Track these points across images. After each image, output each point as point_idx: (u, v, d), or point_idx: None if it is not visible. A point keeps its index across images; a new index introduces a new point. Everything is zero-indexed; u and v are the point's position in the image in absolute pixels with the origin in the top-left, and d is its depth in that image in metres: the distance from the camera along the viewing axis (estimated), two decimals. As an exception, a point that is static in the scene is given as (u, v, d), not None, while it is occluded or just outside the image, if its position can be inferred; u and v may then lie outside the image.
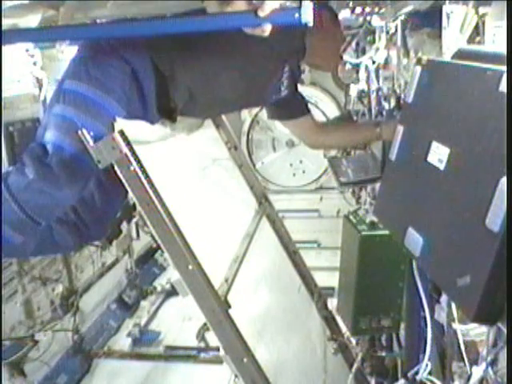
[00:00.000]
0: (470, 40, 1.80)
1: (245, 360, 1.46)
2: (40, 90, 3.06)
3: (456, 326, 1.23)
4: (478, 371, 1.10)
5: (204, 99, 1.73)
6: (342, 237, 1.96)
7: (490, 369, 1.07)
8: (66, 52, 3.14)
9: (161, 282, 4.17)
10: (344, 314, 1.99)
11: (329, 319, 2.37)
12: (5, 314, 2.63)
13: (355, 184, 2.89)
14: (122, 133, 1.33)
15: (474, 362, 1.17)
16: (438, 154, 1.07)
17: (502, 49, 1.05)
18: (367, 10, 3.00)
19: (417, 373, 1.42)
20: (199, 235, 1.67)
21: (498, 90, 0.91)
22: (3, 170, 2.52)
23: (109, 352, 3.43)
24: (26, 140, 1.73)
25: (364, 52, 3.42)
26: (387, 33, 3.03)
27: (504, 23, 1.52)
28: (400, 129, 1.29)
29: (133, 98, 1.57)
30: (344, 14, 2.69)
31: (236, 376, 1.47)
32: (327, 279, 2.67)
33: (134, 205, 1.40)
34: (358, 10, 2.97)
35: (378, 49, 3.23)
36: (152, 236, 1.48)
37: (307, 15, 1.10)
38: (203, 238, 1.69)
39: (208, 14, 1.36)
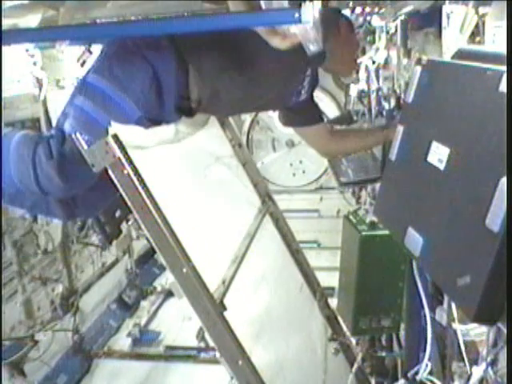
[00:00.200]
0: (470, 40, 1.80)
1: (240, 362, 1.47)
2: (40, 90, 3.06)
3: (456, 325, 1.23)
4: (478, 371, 1.10)
5: (228, 97, 1.74)
6: (342, 237, 1.96)
7: (489, 369, 1.07)
8: (66, 52, 3.15)
9: (161, 282, 4.17)
10: (344, 314, 1.99)
11: (331, 318, 2.37)
12: (5, 314, 2.63)
13: (355, 184, 2.90)
14: (115, 137, 1.33)
15: (474, 362, 1.17)
16: (438, 154, 1.07)
17: (502, 49, 1.05)
18: (367, 10, 3.01)
19: (417, 373, 1.42)
20: (201, 234, 1.67)
21: (498, 90, 0.91)
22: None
23: (109, 352, 3.44)
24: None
25: (364, 52, 3.43)
26: (387, 33, 3.04)
27: (504, 23, 1.53)
28: (400, 129, 1.29)
29: (151, 99, 1.58)
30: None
31: (232, 378, 1.48)
32: (327, 279, 2.67)
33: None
34: (358, 10, 2.98)
35: (378, 49, 3.24)
36: (147, 238, 1.49)
37: (307, 15, 1.10)
38: (205, 237, 1.69)
39: (208, 15, 1.36)
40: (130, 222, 3.49)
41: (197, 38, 1.49)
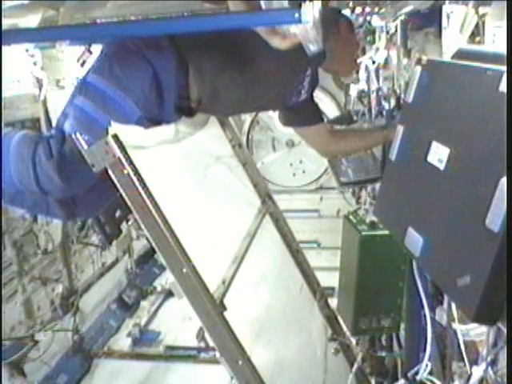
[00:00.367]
0: (470, 40, 1.80)
1: (240, 362, 1.47)
2: (40, 90, 3.06)
3: (456, 325, 1.23)
4: (478, 371, 1.10)
5: (227, 96, 1.74)
6: (342, 237, 1.96)
7: (489, 369, 1.07)
8: (66, 52, 3.15)
9: (161, 282, 4.17)
10: (344, 314, 1.99)
11: (331, 318, 2.37)
12: (5, 314, 2.63)
13: (355, 184, 2.90)
14: (115, 137, 1.34)
15: (474, 362, 1.17)
16: (438, 154, 1.07)
17: (502, 49, 1.05)
18: (367, 9, 3.01)
19: (417, 373, 1.42)
20: (201, 234, 1.67)
21: (498, 90, 0.91)
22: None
23: (109, 352, 3.43)
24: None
25: (364, 52, 3.43)
26: (387, 33, 3.04)
27: (504, 23, 1.53)
28: (400, 129, 1.29)
29: (151, 99, 1.59)
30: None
31: (232, 378, 1.48)
32: (327, 279, 2.67)
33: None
34: (358, 9, 2.98)
35: (378, 49, 3.24)
36: (147, 238, 1.49)
37: (307, 15, 1.10)
38: (205, 237, 1.69)
39: (208, 15, 1.36)
40: (130, 222, 3.50)
41: (197, 37, 1.50)
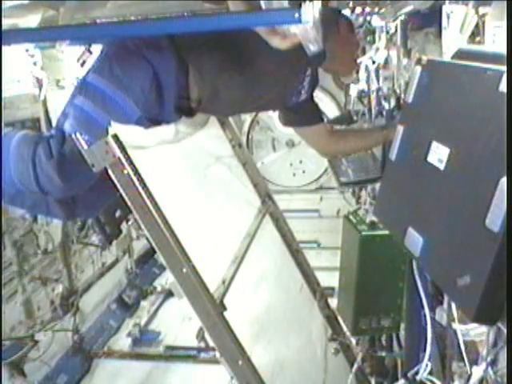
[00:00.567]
0: (470, 40, 1.80)
1: (240, 362, 1.47)
2: (40, 90, 3.06)
3: (456, 326, 1.23)
4: (478, 371, 1.10)
5: (227, 96, 1.75)
6: (342, 237, 1.96)
7: (489, 369, 1.07)
8: (66, 52, 3.15)
9: (161, 282, 4.17)
10: (344, 314, 1.99)
11: (331, 318, 2.37)
12: (5, 314, 2.63)
13: (355, 184, 2.90)
14: (115, 137, 1.34)
15: (474, 362, 1.17)
16: (438, 154, 1.07)
17: (502, 49, 1.05)
18: (367, 9, 3.01)
19: (417, 373, 1.42)
20: (201, 234, 1.67)
21: (498, 90, 0.91)
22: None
23: (109, 352, 3.44)
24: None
25: (364, 52, 3.43)
26: (387, 33, 3.04)
27: (504, 23, 1.53)
28: (400, 129, 1.29)
29: (151, 99, 1.59)
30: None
31: (232, 378, 1.48)
32: (327, 279, 2.66)
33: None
34: (358, 10, 2.98)
35: (378, 49, 3.24)
36: (147, 238, 1.49)
37: (307, 15, 1.10)
38: (206, 238, 1.69)
39: (208, 15, 1.36)
40: (130, 222, 3.50)
41: (197, 37, 1.50)
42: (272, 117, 4.79)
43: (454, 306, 1.22)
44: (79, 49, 2.90)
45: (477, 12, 1.70)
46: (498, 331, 1.03)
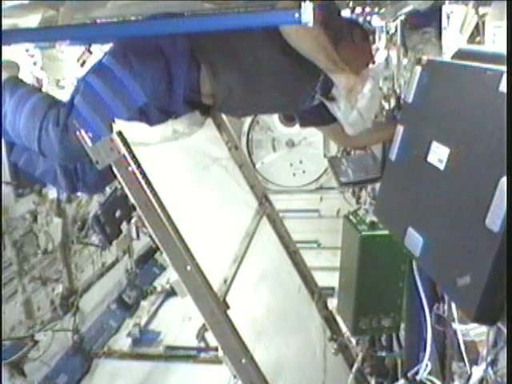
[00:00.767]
0: (470, 40, 1.80)
1: (243, 361, 1.46)
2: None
3: (456, 326, 1.23)
4: (478, 371, 1.10)
5: (242, 98, 1.78)
6: (342, 237, 1.96)
7: (489, 369, 1.07)
8: (66, 52, 3.15)
9: (161, 282, 4.17)
10: (344, 314, 1.99)
11: (329, 319, 2.37)
12: (5, 314, 2.63)
13: (355, 184, 2.89)
14: (120, 134, 1.34)
15: (474, 362, 1.17)
16: (438, 154, 1.07)
17: (502, 49, 1.05)
18: (367, 10, 3.00)
19: (417, 373, 1.42)
20: (199, 235, 1.67)
21: (498, 90, 0.91)
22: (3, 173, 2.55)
23: (109, 352, 3.43)
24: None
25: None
26: (387, 33, 3.04)
27: (504, 23, 1.53)
28: (400, 129, 1.29)
29: (160, 88, 1.64)
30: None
31: (234, 376, 1.47)
32: (327, 279, 2.67)
33: (134, 205, 1.40)
34: (358, 10, 2.97)
35: (378, 49, 3.24)
36: (150, 237, 1.49)
37: (307, 15, 1.10)
38: (203, 238, 1.69)
39: (208, 15, 1.36)
40: (133, 220, 3.49)
41: (212, 37, 1.55)
42: (272, 117, 4.80)
43: (454, 305, 1.22)
44: (79, 49, 2.90)
45: (477, 12, 1.70)
46: (498, 331, 1.03)
